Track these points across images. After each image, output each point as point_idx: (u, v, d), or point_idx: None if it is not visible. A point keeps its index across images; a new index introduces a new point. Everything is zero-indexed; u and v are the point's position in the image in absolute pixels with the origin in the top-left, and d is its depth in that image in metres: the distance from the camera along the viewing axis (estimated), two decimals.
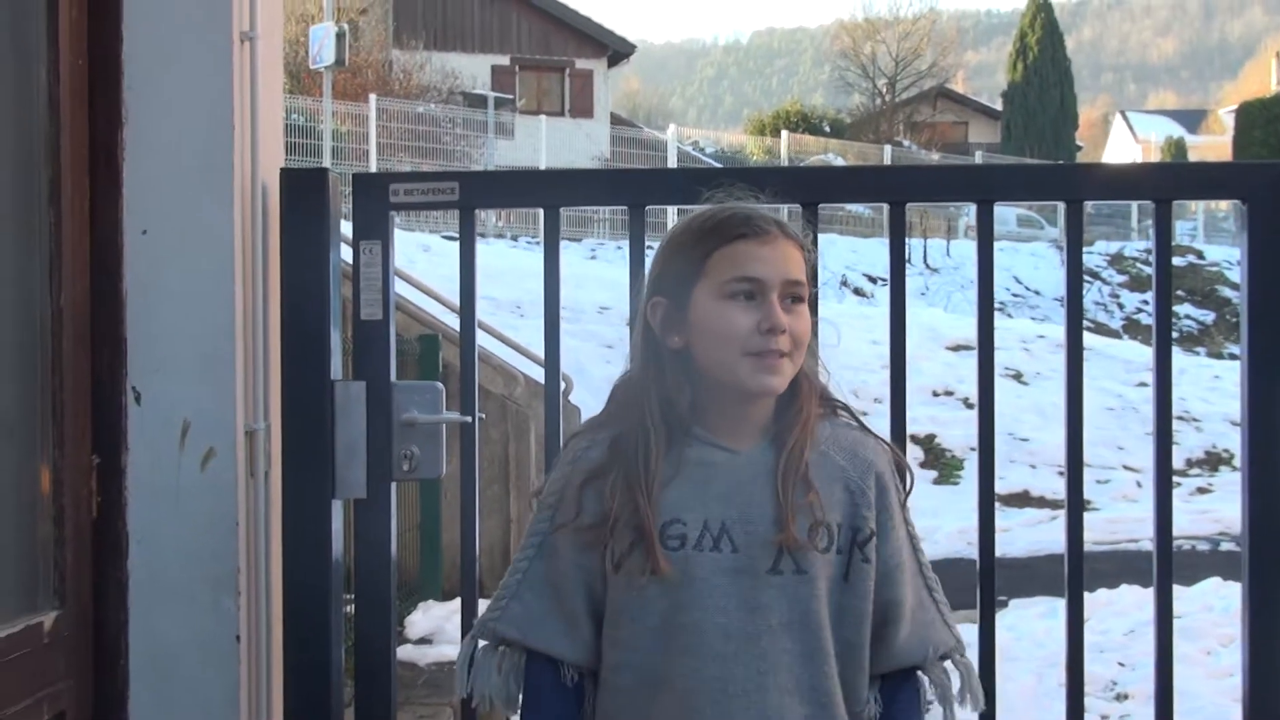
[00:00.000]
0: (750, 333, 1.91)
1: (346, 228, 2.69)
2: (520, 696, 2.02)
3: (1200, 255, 26.34)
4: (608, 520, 1.93)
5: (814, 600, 1.91)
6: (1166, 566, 2.62)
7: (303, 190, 2.61)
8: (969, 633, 2.15)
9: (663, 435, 1.95)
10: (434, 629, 6.21)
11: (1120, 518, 10.73)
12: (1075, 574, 2.63)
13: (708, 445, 1.96)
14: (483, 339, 6.70)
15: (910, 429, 2.63)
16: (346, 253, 2.68)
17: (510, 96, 33.55)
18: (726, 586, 1.90)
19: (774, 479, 1.92)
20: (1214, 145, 54.02)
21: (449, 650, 5.69)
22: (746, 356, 1.91)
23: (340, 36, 19.85)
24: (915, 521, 2.08)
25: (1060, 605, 2.68)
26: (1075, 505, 2.65)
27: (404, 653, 5.72)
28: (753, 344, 1.90)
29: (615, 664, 1.95)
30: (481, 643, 2.05)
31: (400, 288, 6.82)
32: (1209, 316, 23.29)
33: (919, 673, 2.01)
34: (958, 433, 12.97)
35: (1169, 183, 2.71)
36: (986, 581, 2.63)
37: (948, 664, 2.04)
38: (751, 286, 1.92)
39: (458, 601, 2.73)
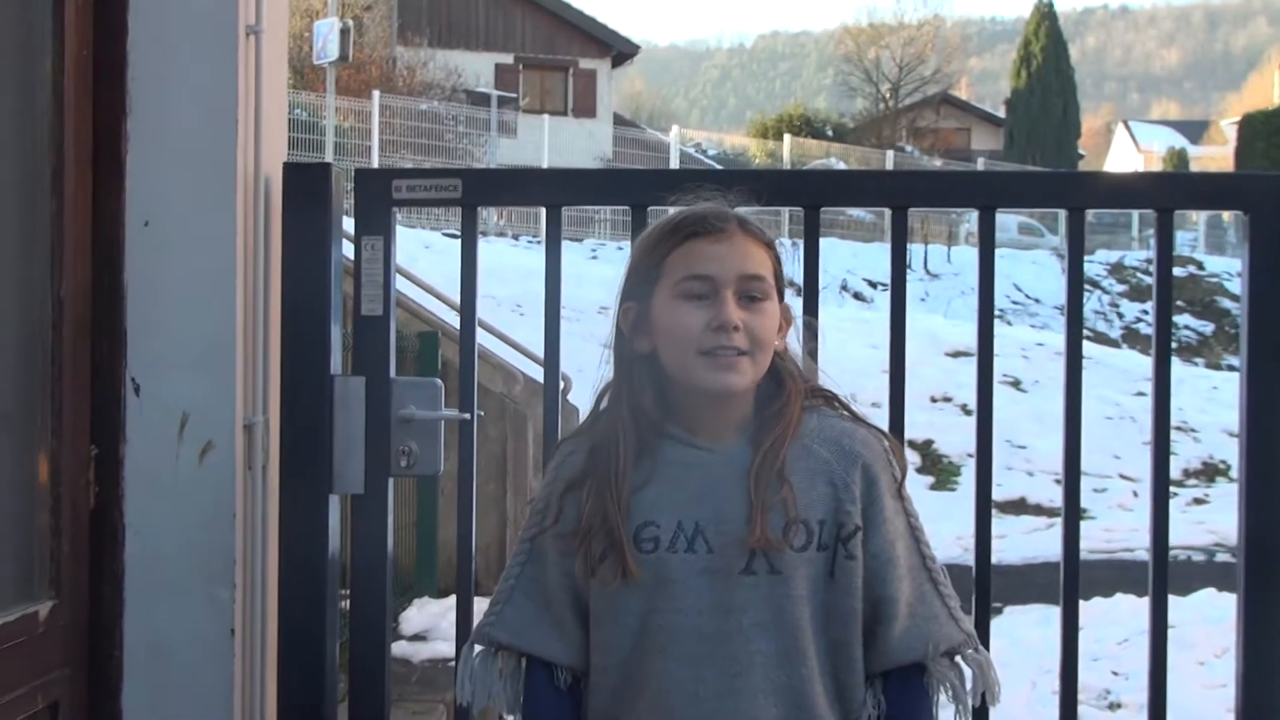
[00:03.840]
0: (702, 331, 1.89)
1: (348, 223, 2.69)
2: (520, 699, 2.02)
3: (1200, 266, 26.31)
4: (581, 527, 1.94)
5: (789, 600, 1.88)
6: (1162, 576, 2.63)
7: (305, 185, 2.61)
8: None
9: (633, 440, 1.95)
10: (429, 626, 6.20)
11: (1116, 526, 10.72)
12: (1071, 582, 2.64)
13: (684, 445, 1.95)
14: (482, 337, 6.69)
15: (908, 434, 2.64)
16: (348, 248, 2.68)
17: (513, 95, 33.52)
18: (701, 587, 1.89)
19: (748, 477, 1.90)
20: (1216, 156, 53.97)
21: (443, 647, 5.69)
22: (701, 356, 1.90)
23: (344, 32, 19.84)
24: None
25: (1055, 613, 2.68)
26: (1072, 513, 2.65)
27: (398, 649, 5.72)
28: (705, 342, 1.89)
29: (599, 666, 1.96)
30: (479, 648, 2.06)
31: (401, 284, 6.80)
32: (1208, 327, 23.26)
33: (925, 670, 1.95)
34: (955, 439, 12.96)
35: (1172, 192, 2.72)
36: (982, 588, 2.63)
37: (958, 660, 1.97)
38: (703, 285, 1.91)
39: (452, 599, 2.73)
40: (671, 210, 2.04)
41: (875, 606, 1.94)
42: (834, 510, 1.92)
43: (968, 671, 1.98)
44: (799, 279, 2.66)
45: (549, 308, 2.69)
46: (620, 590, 1.91)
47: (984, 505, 2.66)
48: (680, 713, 1.88)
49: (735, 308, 1.90)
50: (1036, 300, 24.09)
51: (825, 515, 1.91)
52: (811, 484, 1.92)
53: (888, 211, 2.73)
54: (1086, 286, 23.83)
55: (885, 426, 2.56)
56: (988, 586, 2.63)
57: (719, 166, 27.56)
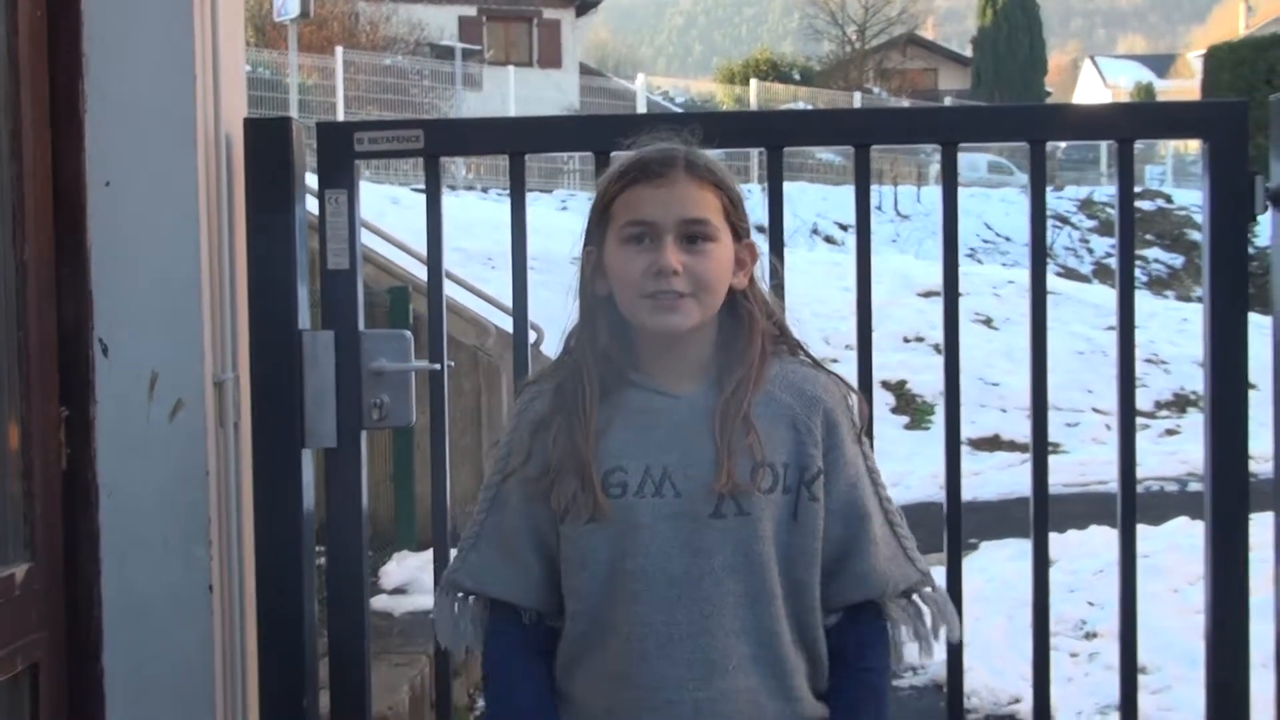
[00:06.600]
0: (644, 275, 1.92)
1: (312, 180, 2.68)
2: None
3: (1169, 199, 26.36)
4: (550, 469, 1.95)
5: (757, 542, 1.91)
6: (1131, 507, 2.66)
7: (266, 140, 2.60)
8: (937, 575, 2.16)
9: (597, 382, 1.97)
10: (409, 579, 6.22)
11: (1090, 460, 10.81)
12: (1040, 516, 2.67)
13: (647, 391, 1.97)
14: (454, 291, 6.68)
15: (882, 375, 2.65)
16: (312, 204, 2.67)
17: (478, 48, 33.30)
18: (669, 532, 1.91)
19: (712, 421, 1.93)
20: (1183, 89, 53.94)
21: (423, 600, 5.71)
22: (644, 299, 1.92)
23: None
24: (887, 466, 2.08)
25: (1030, 547, 2.71)
26: (1040, 448, 2.68)
27: (379, 603, 5.75)
28: (647, 286, 1.92)
29: (570, 613, 1.99)
30: (447, 595, 2.10)
31: (370, 240, 6.78)
32: (1178, 260, 23.34)
33: (882, 607, 2.01)
34: (929, 378, 12.99)
35: (1131, 122, 2.73)
36: (953, 523, 2.66)
37: (916, 599, 2.03)
38: (643, 229, 1.93)
39: (431, 552, 2.74)
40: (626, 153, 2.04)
41: (834, 546, 1.98)
42: (797, 453, 1.95)
43: (926, 610, 2.04)
44: (766, 221, 2.66)
45: (515, 256, 2.69)
46: (589, 536, 1.93)
47: (954, 443, 2.69)
48: (653, 654, 1.90)
49: (675, 252, 1.91)
50: (1007, 239, 24.12)
51: (789, 459, 1.95)
52: (775, 428, 1.95)
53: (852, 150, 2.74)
54: (1057, 223, 23.91)
55: (856, 367, 2.60)
56: (959, 522, 2.66)
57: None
